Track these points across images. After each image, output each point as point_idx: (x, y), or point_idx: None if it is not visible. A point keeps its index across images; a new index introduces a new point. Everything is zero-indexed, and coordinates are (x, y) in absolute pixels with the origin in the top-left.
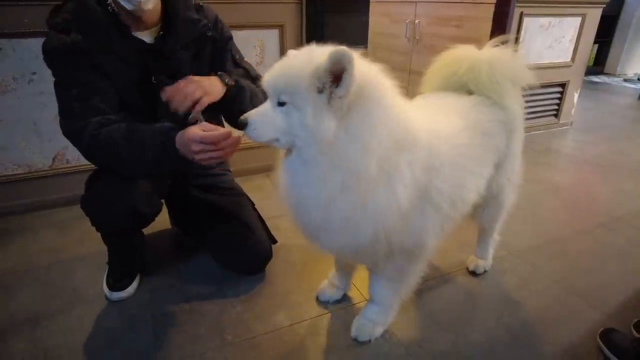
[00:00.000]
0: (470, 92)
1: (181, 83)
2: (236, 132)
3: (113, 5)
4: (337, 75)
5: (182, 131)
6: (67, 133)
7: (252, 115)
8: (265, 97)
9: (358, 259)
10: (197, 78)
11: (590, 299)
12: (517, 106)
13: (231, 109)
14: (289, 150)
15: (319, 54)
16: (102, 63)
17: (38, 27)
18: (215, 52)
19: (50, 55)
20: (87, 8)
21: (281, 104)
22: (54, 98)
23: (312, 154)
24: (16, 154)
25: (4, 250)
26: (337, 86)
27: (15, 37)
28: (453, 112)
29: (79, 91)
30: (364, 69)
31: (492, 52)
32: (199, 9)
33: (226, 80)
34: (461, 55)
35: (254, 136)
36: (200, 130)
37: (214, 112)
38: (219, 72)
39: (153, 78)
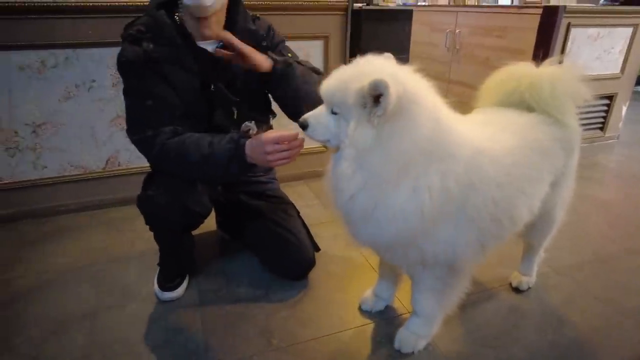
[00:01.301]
0: (529, 109)
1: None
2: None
3: (182, 15)
4: (376, 97)
5: (253, 138)
6: (137, 141)
7: (311, 117)
8: (319, 77)
9: (393, 260)
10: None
11: None
12: (576, 124)
13: (282, 87)
14: (337, 148)
15: (367, 73)
16: (169, 73)
17: (100, 38)
18: None
19: (124, 67)
20: (158, 21)
21: (334, 112)
22: (110, 104)
23: (346, 154)
24: (73, 156)
25: (62, 247)
26: (376, 106)
27: (80, 47)
28: (510, 130)
29: (152, 102)
30: (402, 88)
31: (552, 70)
32: (255, 20)
33: (273, 56)
34: (520, 72)
35: (311, 135)
36: (272, 133)
37: (266, 93)
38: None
39: (212, 86)
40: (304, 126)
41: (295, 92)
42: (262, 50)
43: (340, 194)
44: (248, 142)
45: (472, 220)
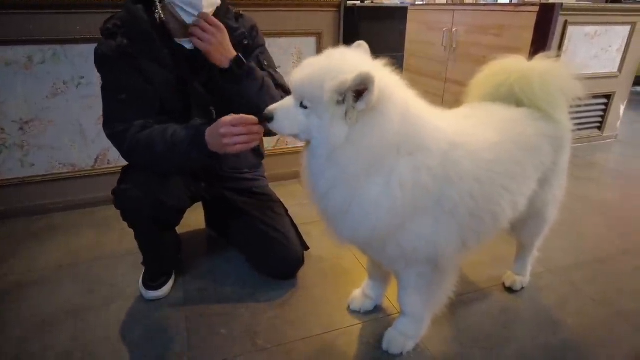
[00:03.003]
0: (519, 103)
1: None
2: None
3: (161, 14)
4: (359, 92)
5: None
6: (110, 135)
7: (277, 110)
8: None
9: (375, 256)
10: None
11: (638, 323)
12: (567, 120)
13: (233, 89)
14: (307, 142)
15: (344, 69)
16: (145, 68)
17: (88, 34)
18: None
19: (100, 61)
20: (134, 16)
21: (304, 106)
22: (99, 101)
23: (320, 152)
24: (63, 154)
25: (49, 246)
26: (357, 101)
27: (67, 44)
28: (494, 125)
29: (126, 96)
30: (379, 82)
31: (544, 64)
32: (239, 17)
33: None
34: (511, 66)
35: (277, 129)
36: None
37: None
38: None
39: (189, 84)
40: (269, 118)
41: (249, 95)
42: (243, 48)
43: (314, 191)
44: (208, 129)
45: (450, 215)
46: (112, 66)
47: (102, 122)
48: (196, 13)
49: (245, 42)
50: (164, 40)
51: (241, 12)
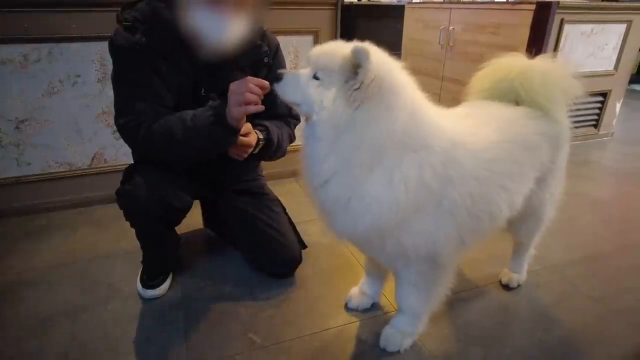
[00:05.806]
0: (517, 102)
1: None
2: None
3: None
4: (357, 69)
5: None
6: (122, 126)
7: (289, 74)
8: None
9: (372, 253)
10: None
11: (633, 320)
12: (566, 119)
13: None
14: (307, 118)
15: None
16: (160, 67)
17: (85, 32)
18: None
19: (117, 51)
20: (157, 15)
21: (317, 77)
22: (95, 100)
23: (321, 132)
24: (59, 153)
25: (45, 245)
26: (354, 77)
27: (63, 42)
28: (493, 124)
29: (141, 91)
30: (387, 72)
31: (544, 62)
32: (263, 34)
33: (260, 136)
34: (512, 62)
35: (280, 92)
36: None
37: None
38: (258, 124)
39: (203, 90)
40: (278, 78)
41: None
42: (265, 66)
43: (314, 177)
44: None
45: (450, 214)
46: (128, 59)
47: (100, 121)
48: None
49: (266, 60)
50: (184, 45)
51: (265, 28)
